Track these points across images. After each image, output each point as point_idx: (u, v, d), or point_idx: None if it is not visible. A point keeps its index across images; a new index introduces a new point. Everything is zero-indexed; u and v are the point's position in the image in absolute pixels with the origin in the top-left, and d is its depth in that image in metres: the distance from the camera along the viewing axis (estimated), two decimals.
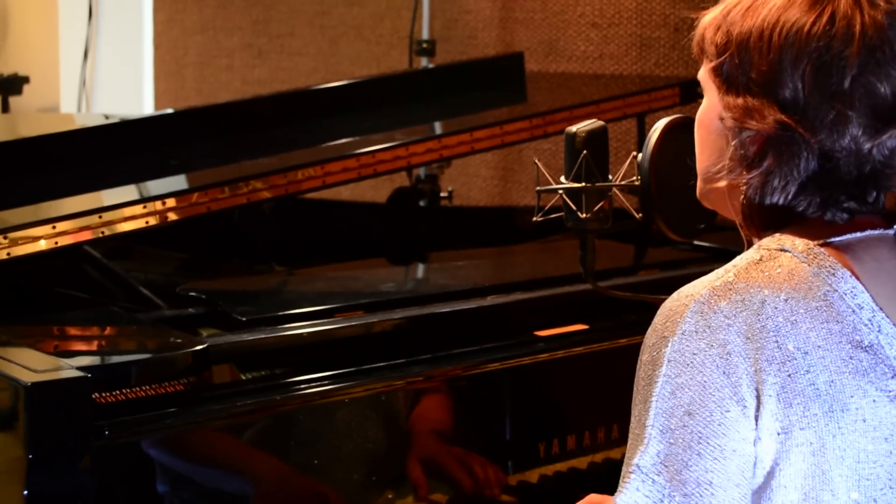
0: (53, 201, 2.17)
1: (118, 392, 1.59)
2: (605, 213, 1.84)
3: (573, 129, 1.82)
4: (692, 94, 2.86)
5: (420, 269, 2.45)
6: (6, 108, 5.47)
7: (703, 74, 1.46)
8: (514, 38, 3.79)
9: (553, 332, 2.07)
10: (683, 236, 1.82)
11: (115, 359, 1.69)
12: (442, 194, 3.12)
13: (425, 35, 3.65)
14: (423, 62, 3.67)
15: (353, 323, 1.90)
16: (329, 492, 1.78)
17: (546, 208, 1.86)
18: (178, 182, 2.35)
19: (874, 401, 1.34)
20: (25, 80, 5.50)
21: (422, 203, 3.04)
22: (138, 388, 1.61)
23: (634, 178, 1.77)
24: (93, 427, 1.55)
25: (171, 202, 2.10)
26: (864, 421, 1.33)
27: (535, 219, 1.88)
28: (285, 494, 1.71)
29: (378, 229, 2.88)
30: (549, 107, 2.70)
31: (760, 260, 1.37)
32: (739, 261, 1.39)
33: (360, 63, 4.22)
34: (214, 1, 4.59)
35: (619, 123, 3.31)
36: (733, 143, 1.41)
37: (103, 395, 1.58)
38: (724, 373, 1.30)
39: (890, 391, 1.34)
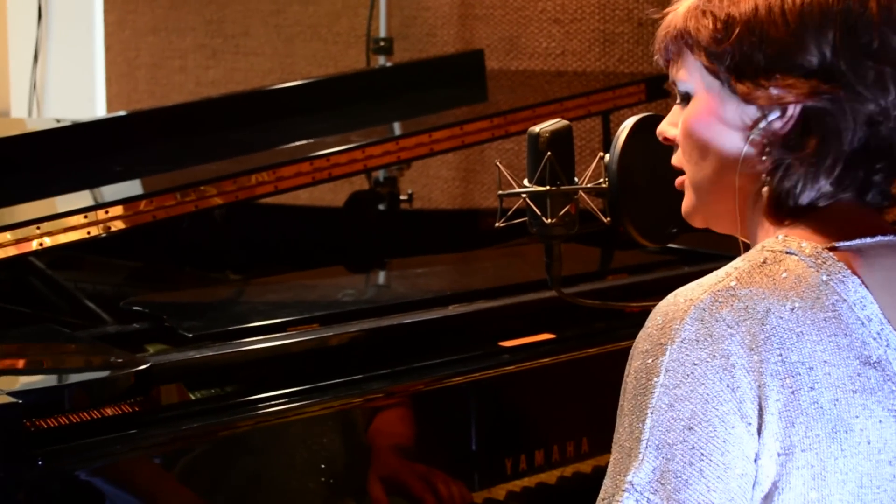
0: None
1: (53, 418, 1.48)
2: (571, 217, 1.73)
3: (536, 129, 1.71)
4: (658, 90, 2.78)
5: (379, 277, 2.35)
6: None
7: (685, 73, 1.34)
8: (474, 35, 3.70)
9: (518, 343, 1.97)
10: (655, 241, 1.72)
11: (50, 381, 1.58)
12: (402, 197, 3.02)
13: (382, 33, 3.55)
14: (381, 61, 3.57)
15: (306, 337, 1.80)
16: None
17: (510, 212, 1.76)
18: (125, 189, 2.25)
19: (880, 421, 1.24)
20: None
21: (381, 206, 2.94)
22: (75, 413, 1.50)
23: (602, 180, 1.67)
24: (26, 457, 1.44)
25: (115, 211, 2.00)
26: (869, 443, 1.23)
27: (497, 224, 1.78)
28: None
29: (335, 234, 2.78)
30: (510, 105, 2.62)
31: (764, 263, 1.26)
32: (742, 263, 1.27)
33: (317, 63, 4.11)
34: (167, 1, 4.48)
35: (583, 122, 3.23)
36: (749, 134, 1.29)
37: (37, 421, 1.47)
38: (727, 386, 1.20)
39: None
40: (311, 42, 4.15)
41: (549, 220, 1.70)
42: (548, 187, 1.70)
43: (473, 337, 1.98)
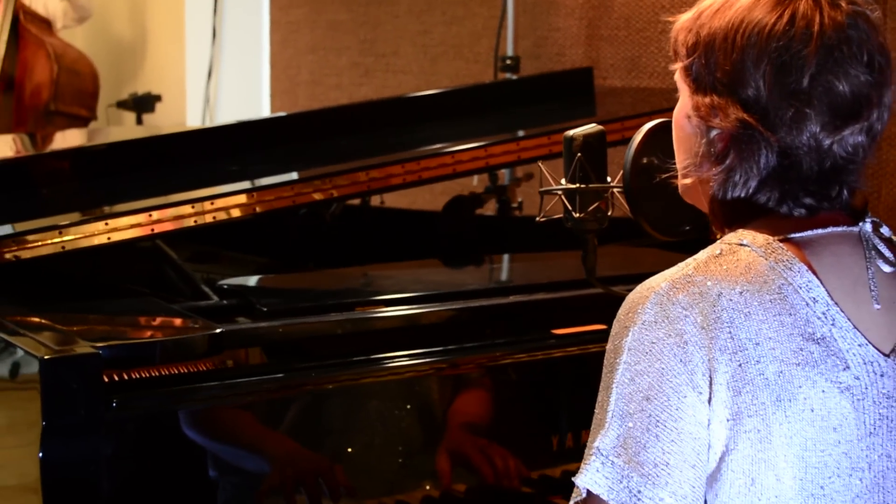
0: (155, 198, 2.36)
1: (127, 370, 1.74)
2: (602, 213, 1.92)
3: (570, 133, 1.91)
4: None
5: (457, 271, 2.56)
6: (139, 124, 5.78)
7: (677, 75, 1.52)
8: (600, 54, 3.88)
9: (569, 331, 2.15)
10: (668, 235, 1.89)
11: (132, 340, 1.84)
12: (513, 205, 3.22)
13: (510, 52, 3.76)
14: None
15: (363, 316, 2.02)
16: (337, 471, 1.89)
17: (548, 208, 1.95)
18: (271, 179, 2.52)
19: (823, 391, 1.38)
20: (158, 98, 5.80)
21: (491, 212, 3.15)
22: (148, 367, 1.76)
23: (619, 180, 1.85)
24: (103, 399, 1.70)
25: (241, 198, 2.27)
26: (812, 410, 1.37)
27: (538, 219, 1.98)
28: (286, 469, 1.84)
29: (438, 236, 2.99)
30: (609, 115, 2.78)
31: (720, 254, 1.42)
32: (701, 254, 1.44)
33: (459, 80, 4.35)
34: (325, 23, 4.79)
35: None
36: (702, 140, 1.46)
37: (115, 372, 1.74)
38: (680, 360, 1.36)
39: (841, 383, 1.38)
40: (454, 61, 4.39)
41: (578, 215, 1.90)
42: (577, 185, 1.90)
43: (528, 323, 2.16)
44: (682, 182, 1.54)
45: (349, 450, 1.90)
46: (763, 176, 1.42)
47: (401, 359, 1.97)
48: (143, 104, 5.83)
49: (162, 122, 5.75)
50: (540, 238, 3.03)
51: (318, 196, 2.38)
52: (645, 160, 1.81)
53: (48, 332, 1.80)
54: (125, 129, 5.36)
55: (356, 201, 3.05)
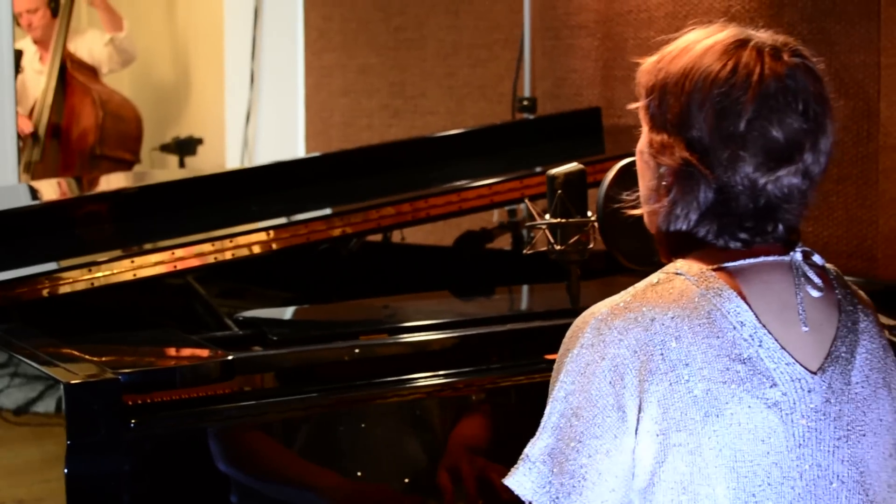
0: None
1: (145, 394, 1.91)
2: (583, 245, 2.08)
3: (552, 171, 2.07)
4: None
5: (461, 301, 2.71)
6: (182, 167, 5.99)
7: (640, 113, 1.65)
8: (615, 94, 4.03)
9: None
10: (643, 266, 2.03)
11: (150, 367, 2.01)
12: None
13: (527, 93, 3.93)
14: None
15: (365, 343, 2.18)
16: (344, 490, 2.05)
17: (534, 240, 2.12)
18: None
19: (749, 406, 1.51)
20: (199, 141, 6.01)
21: (504, 246, 3.31)
22: (162, 391, 1.93)
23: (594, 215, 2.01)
24: (122, 420, 1.87)
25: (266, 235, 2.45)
26: (739, 424, 1.50)
27: (524, 251, 2.14)
28: (291, 485, 2.00)
29: (449, 271, 3.15)
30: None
31: (657, 283, 1.56)
32: (641, 284, 1.58)
33: (483, 120, 4.51)
34: (356, 67, 4.98)
35: None
36: (654, 175, 1.61)
37: (133, 396, 1.91)
38: (609, 382, 1.50)
39: (768, 399, 1.51)
40: (479, 102, 4.56)
41: (558, 247, 2.06)
42: (557, 219, 2.06)
43: (522, 350, 2.30)
44: (643, 212, 1.67)
45: (358, 471, 2.05)
46: (703, 210, 1.56)
47: (398, 383, 2.12)
48: (186, 147, 6.05)
49: (203, 164, 5.95)
50: (551, 271, 3.19)
51: (331, 233, 2.55)
52: (617, 195, 1.96)
53: (75, 361, 1.97)
54: (163, 172, 5.58)
55: (378, 237, 3.23)
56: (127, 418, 1.88)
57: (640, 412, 1.50)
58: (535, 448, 1.54)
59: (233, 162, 5.59)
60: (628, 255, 2.00)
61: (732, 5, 3.60)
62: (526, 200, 2.15)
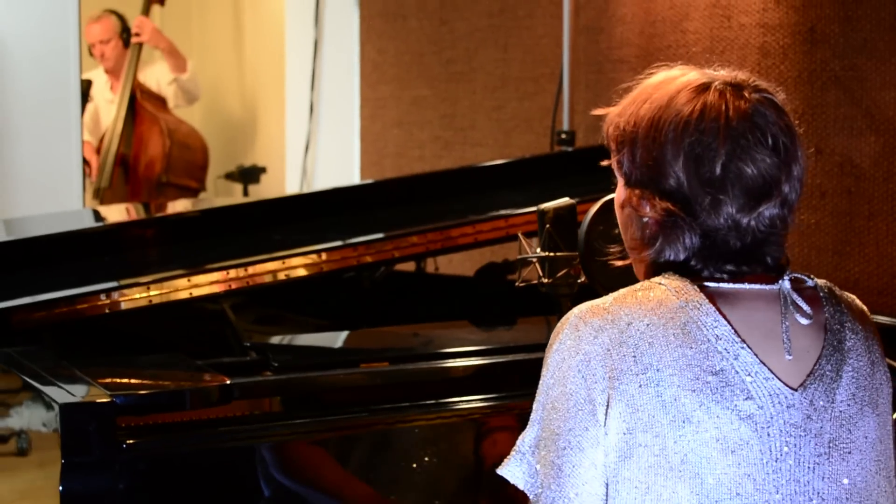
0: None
1: (139, 417, 1.99)
2: (572, 278, 2.12)
3: (542, 207, 2.12)
4: None
5: (467, 331, 2.76)
6: (246, 195, 6.11)
7: (614, 166, 1.70)
8: None
9: None
10: None
11: (147, 390, 2.09)
12: None
13: (566, 126, 3.98)
14: None
15: (363, 371, 2.24)
16: None
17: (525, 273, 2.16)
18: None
19: (718, 416, 1.54)
20: (263, 170, 6.14)
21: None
22: (157, 413, 2.01)
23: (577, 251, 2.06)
24: (116, 441, 1.95)
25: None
26: (706, 432, 1.53)
27: (517, 284, 2.18)
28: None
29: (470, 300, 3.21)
30: None
31: (639, 289, 1.61)
32: (623, 290, 1.63)
33: (529, 151, 4.57)
34: (409, 99, 5.07)
35: None
36: (637, 226, 1.66)
37: (128, 418, 1.99)
38: (582, 377, 1.56)
39: (741, 411, 1.53)
40: (525, 134, 4.62)
41: (547, 280, 2.10)
42: (545, 253, 2.11)
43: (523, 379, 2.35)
44: (631, 261, 1.72)
45: (354, 497, 2.10)
46: (690, 254, 1.60)
47: (394, 411, 2.18)
48: (249, 175, 6.18)
49: (266, 192, 6.08)
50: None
51: (382, 256, 2.62)
52: (598, 231, 2.01)
53: (75, 383, 2.06)
54: (223, 199, 5.70)
55: (410, 266, 3.30)
56: (121, 439, 1.96)
57: (608, 408, 1.54)
58: (525, 440, 1.62)
59: (292, 190, 5.70)
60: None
61: (767, 42, 3.62)
62: (519, 234, 2.20)
